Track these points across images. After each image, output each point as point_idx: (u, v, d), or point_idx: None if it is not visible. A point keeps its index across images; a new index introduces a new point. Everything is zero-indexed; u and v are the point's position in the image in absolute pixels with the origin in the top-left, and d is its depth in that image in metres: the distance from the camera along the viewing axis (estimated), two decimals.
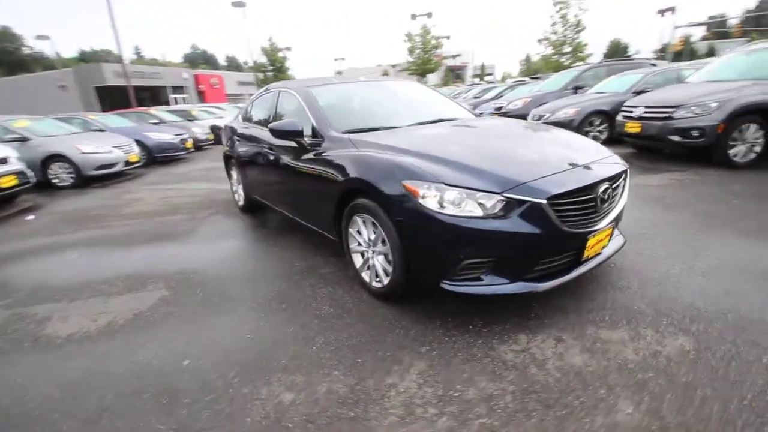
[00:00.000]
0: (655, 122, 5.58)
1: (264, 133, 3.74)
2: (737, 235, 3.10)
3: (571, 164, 2.21)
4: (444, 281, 2.08)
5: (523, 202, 1.96)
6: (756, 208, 3.66)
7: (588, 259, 2.25)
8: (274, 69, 25.21)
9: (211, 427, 1.67)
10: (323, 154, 2.78)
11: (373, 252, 2.49)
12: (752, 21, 36.03)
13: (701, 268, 2.63)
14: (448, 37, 24.09)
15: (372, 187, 2.26)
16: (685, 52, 32.41)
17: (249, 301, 2.70)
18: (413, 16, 27.03)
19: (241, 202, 4.83)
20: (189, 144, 10.84)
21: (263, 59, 25.34)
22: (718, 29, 41.20)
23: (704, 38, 41.06)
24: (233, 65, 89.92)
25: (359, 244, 2.63)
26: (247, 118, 4.49)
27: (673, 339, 1.97)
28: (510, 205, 1.96)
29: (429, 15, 26.38)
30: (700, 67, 6.81)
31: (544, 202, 1.96)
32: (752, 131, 5.03)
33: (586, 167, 2.23)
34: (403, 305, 2.44)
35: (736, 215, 3.51)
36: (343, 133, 2.83)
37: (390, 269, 2.35)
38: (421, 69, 23.21)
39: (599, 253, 2.32)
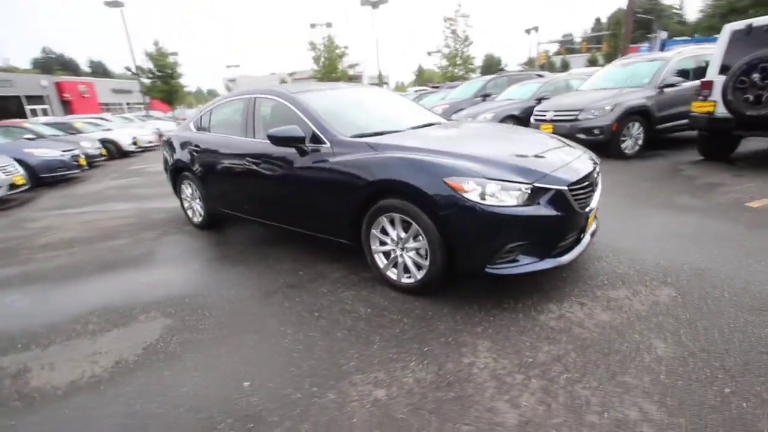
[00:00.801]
0: (565, 123, 6.61)
1: (241, 142, 3.56)
2: (659, 209, 3.94)
3: (570, 157, 2.64)
4: (488, 266, 2.31)
5: (549, 189, 2.29)
6: (658, 189, 4.65)
7: (585, 234, 2.69)
8: (163, 75, 22.82)
9: None
10: (335, 159, 2.80)
11: (403, 249, 2.61)
12: (593, 39, 44.11)
13: (650, 235, 3.30)
14: (346, 47, 24.61)
15: (410, 186, 2.38)
16: (545, 65, 38.10)
17: (275, 316, 2.59)
18: (312, 25, 27.13)
19: (198, 219, 4.46)
20: (82, 161, 9.35)
21: (146, 65, 22.76)
22: (569, 46, 49.55)
23: (558, 53, 48.79)
24: (99, 71, 78.92)
25: (382, 244, 2.72)
26: (203, 128, 4.19)
27: (660, 290, 2.49)
28: (537, 194, 2.28)
29: (329, 25, 26.71)
30: (585, 78, 8.24)
31: (566, 188, 2.32)
32: (636, 128, 6.32)
33: (579, 158, 2.68)
34: (434, 297, 2.60)
35: (649, 195, 4.42)
36: (352, 137, 2.90)
37: (425, 263, 2.49)
38: (327, 78, 23.31)
39: (591, 228, 2.79)
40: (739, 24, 5.02)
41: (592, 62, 44.06)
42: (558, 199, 2.30)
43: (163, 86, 23.19)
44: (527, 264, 2.33)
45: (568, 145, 3.05)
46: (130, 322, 2.65)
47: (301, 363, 2.09)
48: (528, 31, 33.44)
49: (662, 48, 21.74)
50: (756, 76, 4.59)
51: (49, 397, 2.01)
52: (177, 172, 4.51)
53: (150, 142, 14.77)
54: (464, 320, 2.34)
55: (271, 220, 3.55)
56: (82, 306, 2.92)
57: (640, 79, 6.65)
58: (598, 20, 77.19)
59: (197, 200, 4.38)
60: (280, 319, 2.53)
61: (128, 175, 9.58)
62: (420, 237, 2.47)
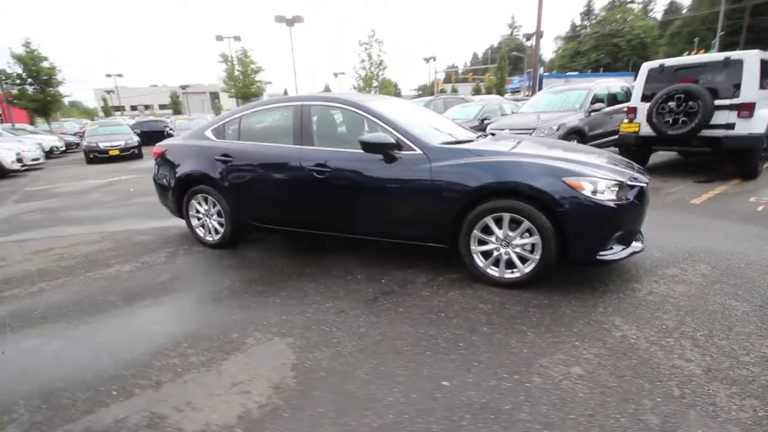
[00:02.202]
0: None
1: (298, 150, 3.40)
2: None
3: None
4: (599, 254, 2.67)
5: (635, 186, 2.77)
6: None
7: None
8: (38, 81, 18.90)
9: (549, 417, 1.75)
10: (436, 165, 2.91)
11: (508, 246, 2.83)
12: (478, 71, 50.17)
13: (665, 227, 4.04)
14: (259, 66, 23.78)
15: (531, 187, 2.63)
16: (437, 91, 42.03)
17: (400, 321, 2.56)
18: (219, 38, 25.60)
19: (213, 237, 4.02)
20: None
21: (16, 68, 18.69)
22: (457, 75, 55.59)
23: (448, 81, 54.26)
24: None
25: (480, 244, 2.90)
26: (229, 136, 3.85)
27: (699, 265, 3.13)
28: (628, 190, 2.73)
29: (237, 38, 25.52)
30: (522, 102, 9.50)
31: (647, 184, 2.83)
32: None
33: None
34: (532, 289, 2.85)
35: None
36: (444, 144, 3.05)
37: (534, 257, 2.75)
38: (242, 93, 22.12)
39: None
40: (654, 63, 6.47)
41: (477, 91, 49.95)
42: (641, 193, 2.79)
43: (38, 94, 19.20)
44: (621, 251, 2.76)
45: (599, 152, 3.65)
46: (243, 346, 2.35)
47: (477, 357, 2.16)
48: (427, 60, 36.89)
49: (541, 82, 25.76)
50: (672, 104, 5.96)
51: None
52: (186, 187, 4.01)
53: (35, 160, 12.30)
54: (580, 303, 2.65)
55: (334, 230, 3.44)
56: (154, 338, 2.48)
57: (572, 104, 7.97)
58: (475, 54, 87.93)
59: (213, 217, 3.97)
60: (411, 324, 2.52)
61: (35, 197, 7.90)
62: (529, 233, 2.73)
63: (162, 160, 4.23)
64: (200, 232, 4.13)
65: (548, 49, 73.01)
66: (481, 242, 2.92)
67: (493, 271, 2.92)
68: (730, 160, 6.14)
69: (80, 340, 2.53)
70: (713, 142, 5.75)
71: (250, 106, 3.92)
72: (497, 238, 2.85)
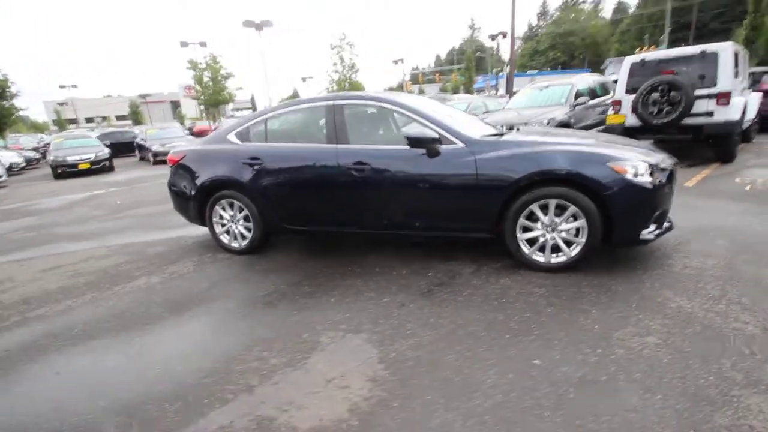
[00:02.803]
0: None
1: (334, 150, 3.39)
2: None
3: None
4: (642, 234, 2.84)
5: (666, 169, 2.96)
6: None
7: None
8: None
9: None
10: (481, 157, 2.99)
11: (554, 231, 2.95)
12: (444, 72, 51.19)
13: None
14: (228, 71, 23.15)
15: (577, 174, 2.77)
16: (407, 92, 42.55)
17: (465, 309, 2.62)
18: (184, 44, 24.74)
19: (240, 243, 3.94)
20: None
21: None
22: (424, 76, 56.46)
23: (415, 82, 55.07)
24: None
25: (525, 231, 3.02)
26: (256, 139, 3.79)
27: (718, 241, 3.38)
28: (661, 173, 2.92)
29: (203, 44, 24.77)
30: (505, 100, 9.80)
31: (674, 167, 3.03)
32: None
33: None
34: (573, 273, 2.99)
35: None
36: (484, 137, 3.15)
37: (581, 240, 2.88)
38: (212, 99, 21.43)
39: None
40: (635, 57, 6.89)
41: (444, 91, 50.92)
42: (671, 176, 2.99)
43: None
44: (656, 231, 2.94)
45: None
46: (319, 345, 2.34)
47: (555, 336, 2.25)
48: (396, 62, 37.29)
49: (509, 81, 26.57)
50: (656, 95, 6.36)
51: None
52: (210, 193, 3.90)
53: None
54: (627, 281, 2.80)
55: (373, 227, 3.46)
56: (222, 344, 2.42)
57: (558, 99, 8.31)
58: (438, 56, 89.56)
59: (240, 222, 3.88)
60: (477, 311, 2.59)
61: (13, 215, 7.41)
62: (574, 218, 2.87)
63: (180, 167, 4.09)
64: (225, 238, 4.03)
65: (505, 50, 75.27)
66: (526, 229, 3.03)
67: (539, 257, 3.04)
68: (709, 146, 6.62)
69: (140, 354, 2.43)
70: (695, 130, 6.19)
71: (275, 107, 3.87)
72: (543, 224, 2.97)
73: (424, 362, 2.13)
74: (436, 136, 3.06)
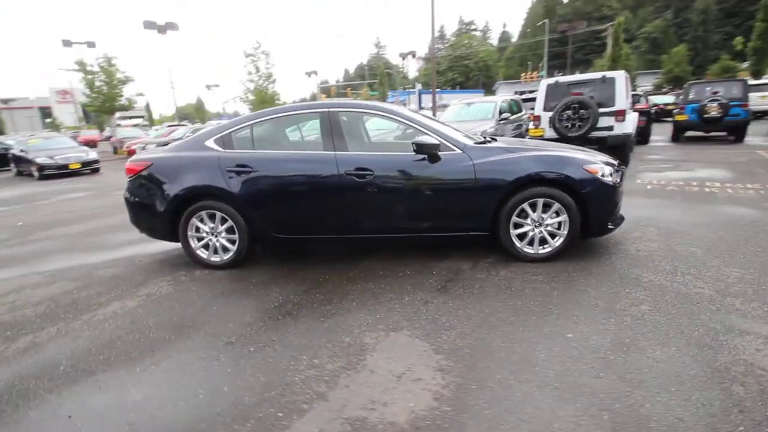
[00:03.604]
0: None
1: (333, 156, 3.40)
2: None
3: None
4: (609, 225, 3.39)
5: (619, 171, 3.59)
6: None
7: None
8: None
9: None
10: (478, 161, 3.28)
11: (542, 226, 3.36)
12: (353, 86, 52.47)
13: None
14: (125, 74, 20.52)
15: (562, 175, 3.21)
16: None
17: (486, 300, 2.85)
18: (67, 43, 21.44)
19: (221, 257, 3.68)
20: None
21: None
22: (337, 89, 57.10)
23: (328, 95, 55.46)
24: None
25: (516, 227, 3.38)
26: (240, 146, 3.60)
27: (649, 231, 4.15)
28: (616, 173, 3.52)
29: (91, 45, 21.71)
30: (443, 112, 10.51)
31: (622, 169, 3.68)
32: None
33: None
34: (559, 261, 3.44)
35: None
36: (477, 144, 3.45)
37: (563, 232, 3.33)
38: (106, 106, 18.70)
39: None
40: (551, 80, 8.03)
41: None
42: (622, 176, 3.63)
43: None
44: (617, 221, 3.53)
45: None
46: (369, 345, 2.34)
47: (572, 313, 2.59)
48: (309, 74, 37.16)
49: (420, 96, 28.44)
50: (569, 112, 7.49)
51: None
52: (185, 204, 3.58)
53: None
54: (602, 265, 3.31)
55: (373, 231, 3.52)
56: (265, 359, 2.28)
57: (485, 114, 9.23)
58: (347, 71, 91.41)
59: (222, 234, 3.63)
60: (497, 300, 2.83)
61: None
62: (557, 214, 3.31)
63: (143, 177, 3.67)
64: (203, 253, 3.71)
65: (411, 68, 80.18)
66: (517, 225, 3.40)
67: (529, 249, 3.42)
68: (612, 153, 7.94)
69: (170, 380, 2.17)
70: (601, 141, 7.41)
71: (261, 114, 3.72)
72: (532, 220, 3.36)
73: (477, 348, 2.29)
74: (437, 143, 3.28)
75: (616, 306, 2.65)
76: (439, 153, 3.32)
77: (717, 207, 4.82)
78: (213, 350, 2.43)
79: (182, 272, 3.72)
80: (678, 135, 11.63)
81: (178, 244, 4.28)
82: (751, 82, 15.23)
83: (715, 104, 10.47)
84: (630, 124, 7.37)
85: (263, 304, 2.99)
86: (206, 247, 3.71)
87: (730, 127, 10.65)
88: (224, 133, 3.65)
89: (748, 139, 10.68)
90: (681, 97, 12.13)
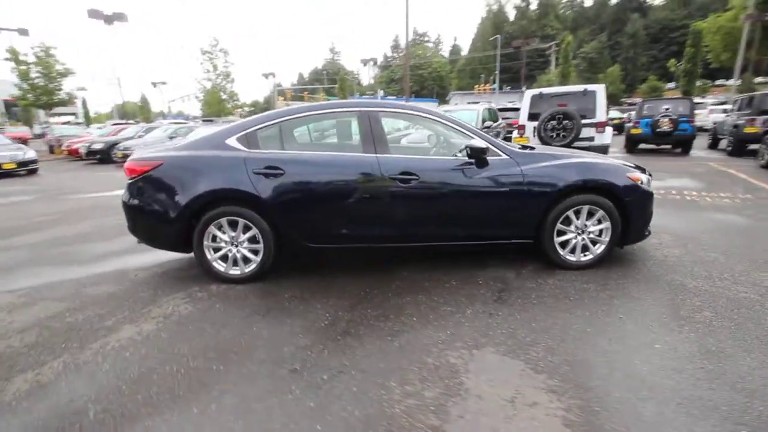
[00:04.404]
0: None
1: (375, 159, 3.15)
2: None
3: None
4: (646, 232, 3.44)
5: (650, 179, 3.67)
6: None
7: None
8: None
9: None
10: (526, 168, 3.20)
11: (586, 234, 3.34)
12: (313, 90, 51.65)
13: None
14: (65, 66, 18.35)
15: (608, 182, 3.21)
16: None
17: (557, 309, 2.75)
18: None
19: (242, 269, 3.28)
20: None
21: None
22: (293, 93, 55.70)
23: (285, 99, 54.11)
24: None
25: (559, 234, 3.33)
26: (267, 146, 3.24)
27: (663, 238, 4.31)
28: (649, 182, 3.60)
29: (23, 32, 19.23)
30: None
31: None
32: None
33: None
34: (600, 268, 3.44)
35: None
36: (521, 150, 3.37)
37: (605, 239, 3.33)
38: (42, 101, 16.51)
39: None
40: (535, 91, 8.28)
41: None
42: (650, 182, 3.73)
43: None
44: (649, 231, 3.60)
45: None
46: (456, 367, 2.13)
47: (644, 320, 2.55)
48: (267, 76, 35.79)
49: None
50: (554, 122, 7.75)
51: None
52: (202, 210, 3.14)
53: None
54: (641, 273, 3.35)
55: (414, 239, 3.30)
56: (343, 389, 1.99)
57: (469, 121, 9.32)
58: (301, 75, 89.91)
59: (244, 244, 3.24)
60: (563, 309, 2.73)
61: None
62: (599, 221, 3.31)
63: (150, 179, 3.18)
64: (220, 266, 3.28)
65: (366, 75, 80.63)
66: (560, 233, 3.35)
67: (572, 257, 3.39)
68: None
69: (243, 424, 1.81)
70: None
71: (289, 111, 3.36)
72: (576, 227, 3.33)
73: (575, 365, 2.15)
74: (487, 147, 3.16)
75: (680, 313, 2.66)
76: (488, 158, 3.20)
77: (708, 214, 5.15)
78: (279, 381, 2.09)
79: (195, 287, 3.27)
80: (632, 147, 12.55)
81: (177, 255, 3.82)
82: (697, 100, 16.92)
83: (666, 119, 11.42)
84: (608, 136, 7.79)
85: (311, 323, 2.67)
86: (224, 258, 3.29)
87: (679, 141, 11.66)
88: (248, 130, 3.27)
89: (693, 152, 11.77)
90: (635, 112, 13.13)
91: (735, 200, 5.85)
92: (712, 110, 18.83)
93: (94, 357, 2.34)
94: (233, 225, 3.21)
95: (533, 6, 76.97)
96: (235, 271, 3.30)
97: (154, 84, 39.81)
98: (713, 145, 13.12)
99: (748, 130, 10.22)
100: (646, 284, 3.11)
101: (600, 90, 7.67)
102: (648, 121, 11.73)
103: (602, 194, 3.26)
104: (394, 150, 3.29)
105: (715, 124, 13.48)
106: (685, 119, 11.45)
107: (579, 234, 3.35)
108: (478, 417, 1.79)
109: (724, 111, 15.27)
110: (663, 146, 12.42)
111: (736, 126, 10.93)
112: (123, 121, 21.66)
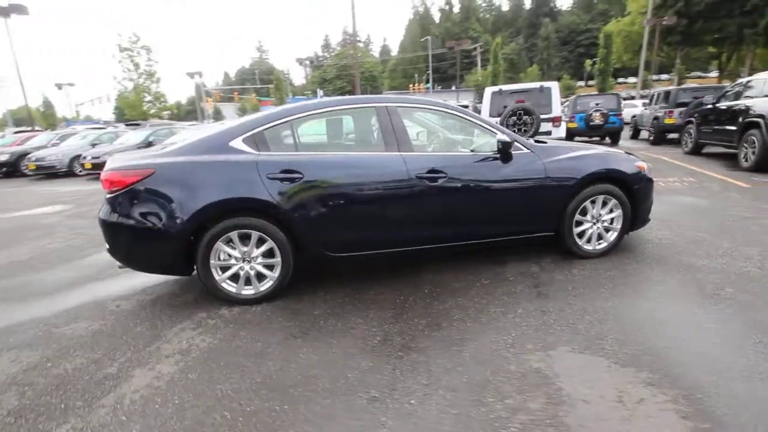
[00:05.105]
0: None
1: (400, 158, 2.95)
2: None
3: None
4: (648, 217, 3.63)
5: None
6: None
7: None
8: None
9: None
10: (548, 160, 3.20)
11: (600, 222, 3.43)
12: (240, 90, 48.96)
13: None
14: None
15: (621, 172, 3.32)
16: (204, 109, 39.09)
17: (624, 302, 2.76)
18: None
19: (261, 287, 2.91)
20: None
21: None
22: (221, 94, 52.43)
23: (216, 100, 50.68)
24: None
25: (577, 225, 3.39)
26: (279, 146, 2.91)
27: (653, 223, 4.61)
28: None
29: None
30: None
31: None
32: None
33: None
34: (613, 255, 3.57)
35: None
36: (538, 143, 3.36)
37: (617, 227, 3.45)
38: None
39: None
40: (495, 88, 8.54)
41: (243, 110, 48.87)
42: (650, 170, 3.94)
43: None
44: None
45: None
46: (543, 372, 2.02)
47: (681, 302, 2.66)
48: (192, 75, 33.17)
49: None
50: (514, 118, 8.06)
51: None
52: (209, 223, 2.71)
53: None
54: (652, 256, 3.53)
55: (439, 241, 3.15)
56: (438, 412, 1.79)
57: None
58: (227, 74, 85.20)
59: (257, 259, 2.86)
60: (607, 300, 2.76)
61: None
62: (612, 209, 3.43)
63: (140, 191, 2.67)
64: (229, 286, 2.87)
65: (298, 75, 78.82)
66: (579, 223, 3.41)
67: (588, 246, 3.46)
68: None
69: None
70: None
71: (300, 108, 3.01)
72: (592, 216, 3.41)
73: (658, 354, 2.12)
74: (513, 141, 3.11)
75: (707, 292, 2.80)
76: (518, 152, 3.16)
77: (669, 198, 5.61)
78: (363, 413, 1.82)
79: (201, 314, 2.82)
80: (570, 139, 13.54)
81: (157, 278, 3.35)
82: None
83: (598, 114, 12.49)
84: (563, 130, 8.28)
85: (363, 342, 2.40)
86: (234, 278, 2.88)
87: (610, 133, 12.81)
88: (255, 131, 2.88)
89: (621, 143, 13.01)
90: (569, 108, 14.20)
91: (684, 184, 6.49)
92: (625, 105, 21.10)
93: (113, 417, 1.87)
94: (244, 239, 2.82)
95: (456, 9, 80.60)
96: (248, 291, 2.90)
97: (59, 86, 35.00)
98: (635, 136, 14.64)
99: (668, 121, 11.52)
100: (660, 267, 3.26)
101: (554, 87, 8.14)
102: (582, 115, 12.73)
103: (616, 183, 3.37)
104: (418, 147, 3.11)
105: (634, 117, 15.05)
106: (614, 113, 12.60)
107: (594, 223, 3.44)
108: (599, 424, 1.70)
109: (643, 104, 17.04)
110: (595, 137, 13.59)
111: (656, 118, 12.26)
112: (30, 129, 18.76)
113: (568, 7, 74.97)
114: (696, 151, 9.21)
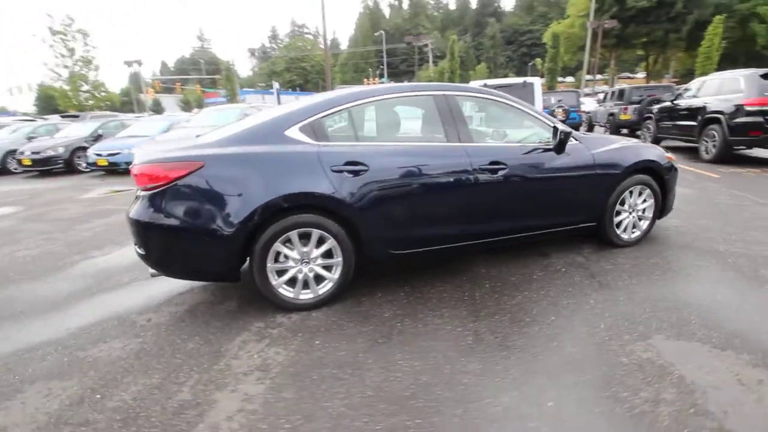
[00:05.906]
0: None
1: (464, 149, 2.83)
2: None
3: None
4: (672, 206, 3.80)
5: None
6: None
7: None
8: None
9: None
10: (596, 152, 3.24)
11: (635, 211, 3.54)
12: (179, 81, 45.76)
13: None
14: None
15: (655, 162, 3.44)
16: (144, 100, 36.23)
17: (679, 288, 2.83)
18: None
19: (320, 291, 2.66)
20: None
21: None
22: (162, 84, 48.42)
23: (156, 91, 46.81)
24: None
25: (616, 214, 3.48)
26: (339, 136, 2.69)
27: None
28: None
29: None
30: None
31: None
32: None
33: None
34: (645, 244, 3.70)
35: None
36: (583, 134, 3.39)
37: (649, 215, 3.59)
38: None
39: None
40: (480, 82, 8.60)
41: (186, 102, 45.75)
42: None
43: None
44: None
45: None
46: (654, 363, 2.01)
47: (696, 277, 2.81)
48: (129, 64, 30.26)
49: (278, 96, 26.77)
50: None
51: None
52: (266, 223, 2.41)
53: None
54: (677, 244, 3.71)
55: (496, 234, 3.06)
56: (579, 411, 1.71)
57: None
58: (164, 63, 79.32)
59: (317, 260, 2.61)
60: (671, 285, 2.84)
61: None
62: (646, 198, 3.55)
63: (188, 186, 2.31)
64: (287, 291, 2.59)
65: (244, 67, 75.35)
66: (617, 213, 3.49)
67: (624, 235, 3.57)
68: None
69: None
70: None
71: (358, 94, 2.76)
72: (629, 206, 3.51)
73: (735, 334, 2.21)
74: (570, 131, 3.10)
75: (747, 274, 2.98)
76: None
77: None
78: (510, 421, 1.70)
79: (258, 324, 2.52)
80: None
81: (174, 286, 3.04)
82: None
83: (560, 109, 13.14)
84: None
85: (454, 344, 2.26)
86: (291, 282, 2.60)
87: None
88: (312, 119, 2.60)
89: None
90: None
91: None
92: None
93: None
94: (304, 238, 2.56)
95: (405, 6, 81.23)
96: (306, 296, 2.64)
97: None
98: (590, 131, 15.62)
99: (623, 117, 12.40)
100: (692, 253, 3.43)
101: (537, 83, 8.37)
102: (546, 111, 13.33)
103: (650, 173, 3.50)
104: (477, 138, 3.00)
105: (589, 113, 16.05)
106: (574, 109, 13.34)
107: (630, 213, 3.55)
108: (739, 408, 1.71)
109: (597, 102, 18.18)
110: None
111: (612, 114, 13.15)
112: None
113: (511, 9, 78.39)
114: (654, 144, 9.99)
